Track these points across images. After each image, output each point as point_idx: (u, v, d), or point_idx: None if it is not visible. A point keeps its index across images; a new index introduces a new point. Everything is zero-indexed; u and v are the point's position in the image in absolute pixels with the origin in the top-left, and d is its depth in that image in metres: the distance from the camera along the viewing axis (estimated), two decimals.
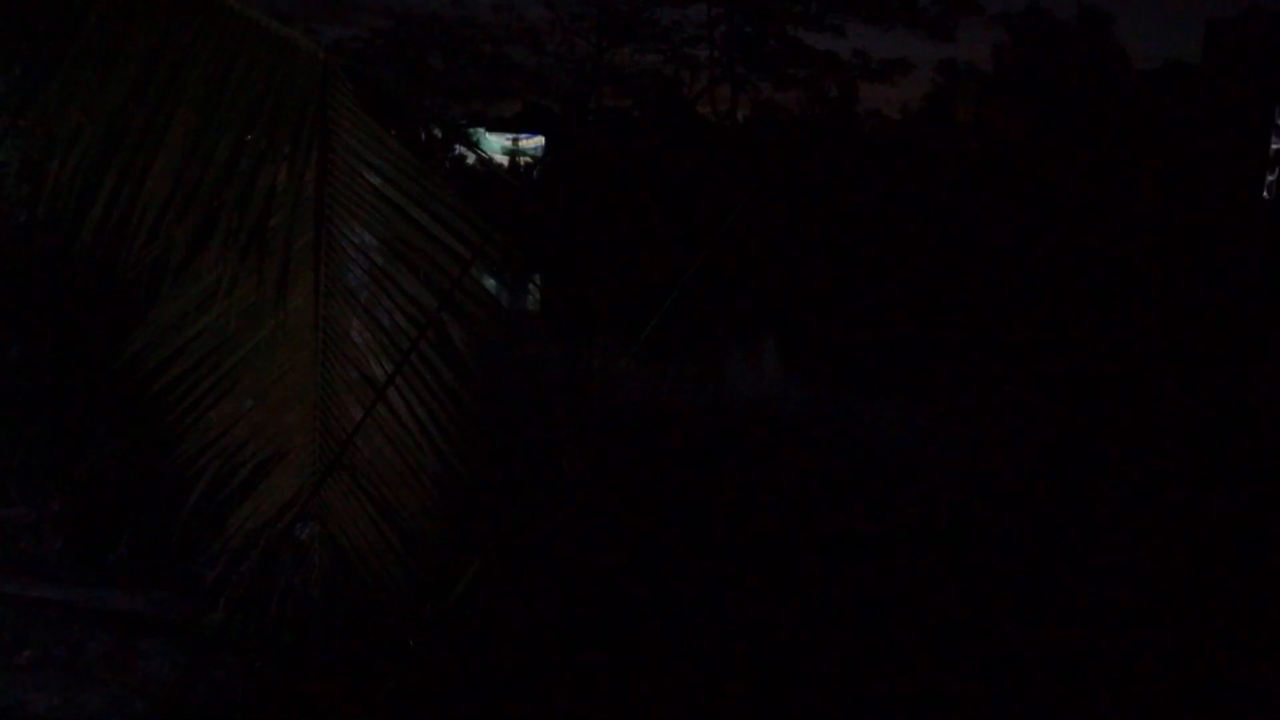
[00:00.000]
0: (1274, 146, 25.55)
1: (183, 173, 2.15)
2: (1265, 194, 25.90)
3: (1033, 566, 7.34)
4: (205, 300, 2.33)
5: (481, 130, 37.14)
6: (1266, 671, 5.94)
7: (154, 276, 2.23)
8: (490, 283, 2.44)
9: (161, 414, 2.40)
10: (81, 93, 2.18)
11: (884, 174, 29.80)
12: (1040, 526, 8.31)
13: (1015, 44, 33.32)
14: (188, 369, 2.38)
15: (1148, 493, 9.54)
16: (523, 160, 38.49)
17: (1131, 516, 8.75)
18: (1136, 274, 22.04)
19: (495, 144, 38.06)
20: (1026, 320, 20.04)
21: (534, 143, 39.30)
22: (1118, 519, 8.68)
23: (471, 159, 2.92)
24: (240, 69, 2.27)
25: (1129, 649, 6.14)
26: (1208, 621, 6.56)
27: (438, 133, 3.22)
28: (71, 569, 4.62)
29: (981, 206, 27.22)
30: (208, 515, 2.59)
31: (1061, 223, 25.46)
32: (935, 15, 35.60)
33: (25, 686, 3.97)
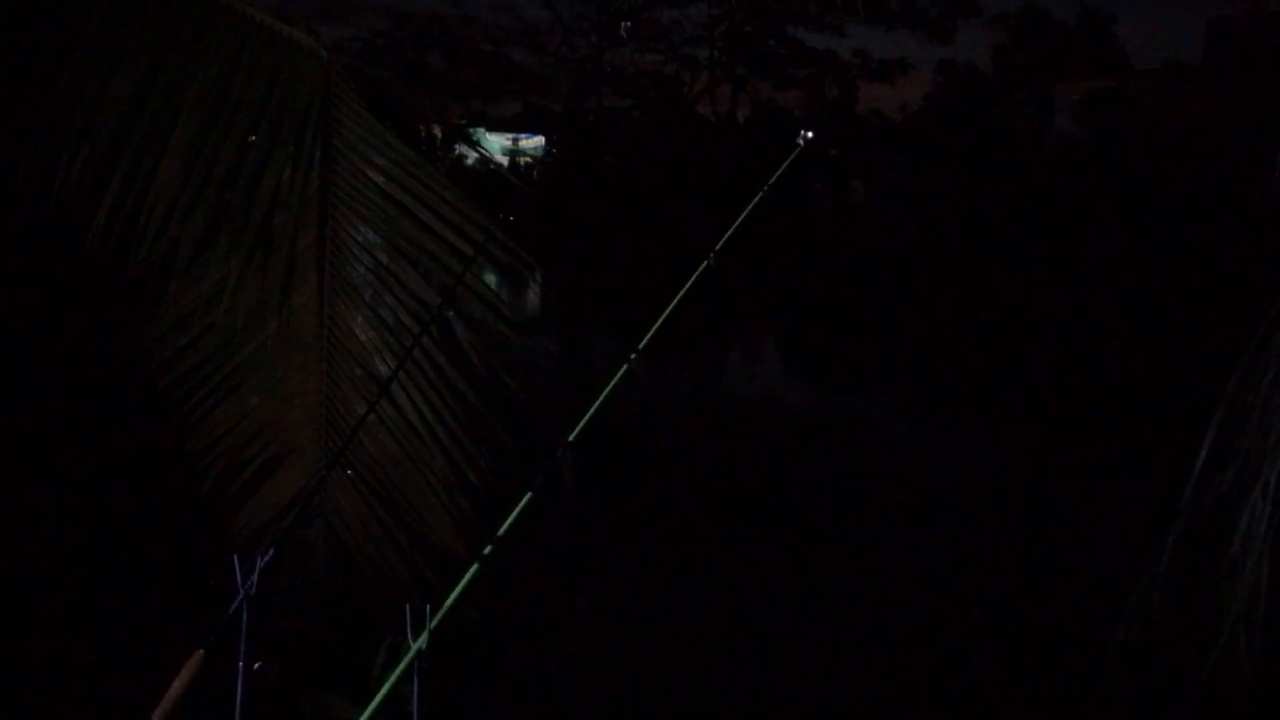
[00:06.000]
0: None
1: (188, 173, 2.16)
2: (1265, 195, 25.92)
3: (1035, 569, 7.34)
4: (211, 299, 2.34)
5: (481, 130, 37.13)
6: None
7: (161, 275, 2.25)
8: (492, 279, 2.45)
9: (167, 412, 2.41)
10: (87, 94, 2.19)
11: (885, 173, 29.82)
12: (1043, 529, 8.31)
13: (1014, 45, 33.32)
14: (193, 367, 2.40)
15: (1158, 499, 9.51)
16: (523, 160, 38.47)
17: (1139, 522, 8.75)
18: (1137, 275, 22.05)
19: (495, 144, 38.03)
20: (1029, 321, 20.04)
21: (534, 143, 39.27)
22: (1125, 524, 8.66)
23: (472, 158, 2.94)
24: (244, 69, 2.28)
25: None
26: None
27: (438, 132, 3.24)
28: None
29: (982, 205, 27.23)
30: (213, 513, 2.60)
31: (1063, 223, 25.48)
32: (935, 16, 35.58)
33: (26, 685, 3.98)
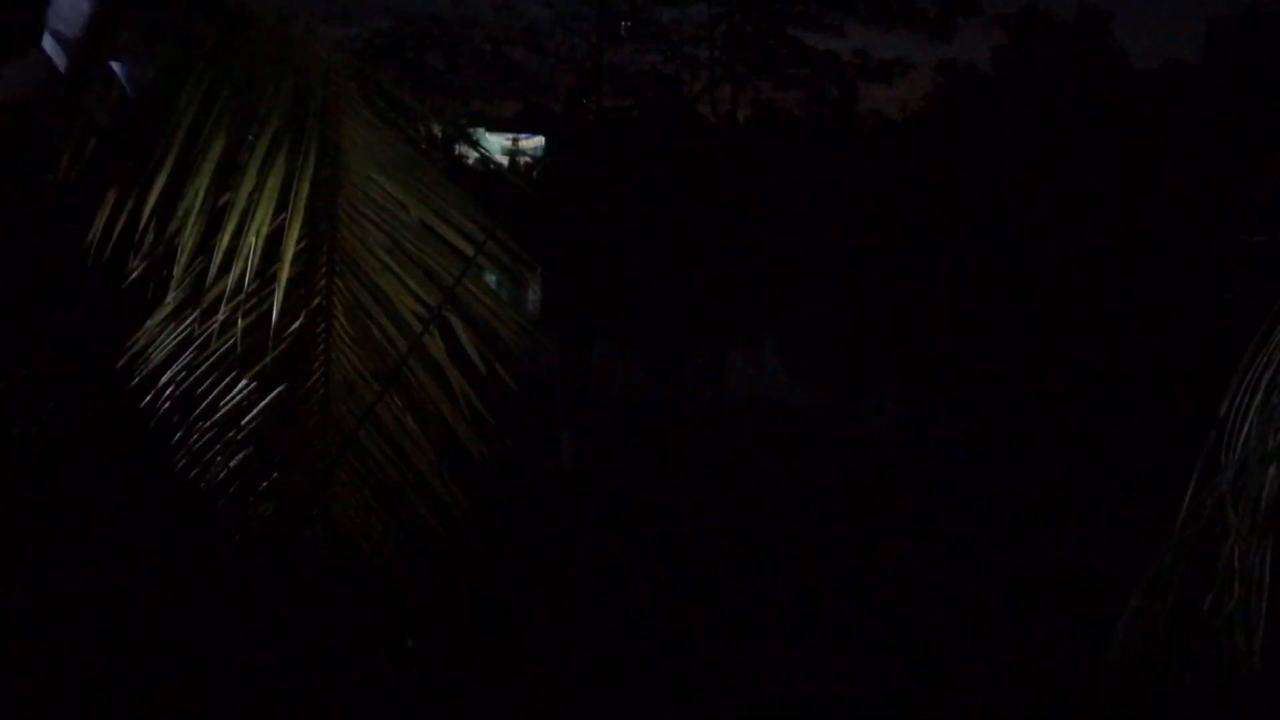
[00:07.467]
0: None
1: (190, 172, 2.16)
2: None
3: (1033, 570, 7.33)
4: (213, 298, 2.33)
5: (481, 130, 37.15)
6: None
7: (160, 276, 2.24)
8: (492, 279, 2.45)
9: (169, 410, 2.41)
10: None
11: (885, 174, 29.83)
12: (1042, 531, 8.30)
13: (1014, 44, 33.26)
14: (196, 365, 2.39)
15: (1156, 500, 9.49)
16: (523, 160, 38.50)
17: (1138, 524, 8.74)
18: (1137, 277, 22.04)
19: (495, 144, 38.05)
20: (1029, 321, 20.03)
21: (534, 143, 39.33)
22: (1123, 525, 8.65)
23: (472, 158, 2.93)
24: (243, 68, 2.27)
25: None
26: None
27: (438, 132, 3.24)
28: None
29: (982, 206, 27.22)
30: (212, 511, 2.60)
31: (1064, 224, 25.48)
32: (935, 16, 35.58)
33: (27, 687, 3.97)
